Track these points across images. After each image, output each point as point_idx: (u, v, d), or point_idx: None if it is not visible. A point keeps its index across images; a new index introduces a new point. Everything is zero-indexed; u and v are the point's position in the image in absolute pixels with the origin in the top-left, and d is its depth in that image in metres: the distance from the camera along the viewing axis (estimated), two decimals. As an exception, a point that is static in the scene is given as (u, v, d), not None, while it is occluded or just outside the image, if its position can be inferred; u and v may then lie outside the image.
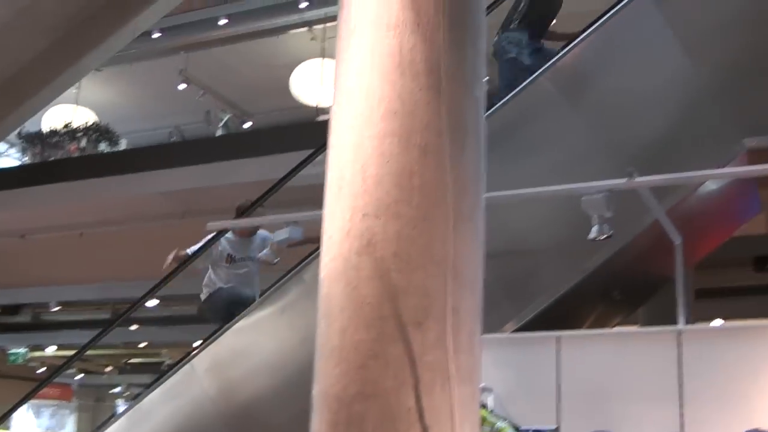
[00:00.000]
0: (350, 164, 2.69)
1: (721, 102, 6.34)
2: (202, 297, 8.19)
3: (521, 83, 6.82)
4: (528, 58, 7.20)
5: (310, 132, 12.29)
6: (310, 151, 7.60)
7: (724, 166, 6.30)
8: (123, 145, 17.96)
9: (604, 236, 5.48)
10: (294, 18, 15.83)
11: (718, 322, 12.62)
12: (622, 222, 5.69)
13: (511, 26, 7.38)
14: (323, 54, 15.94)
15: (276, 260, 7.77)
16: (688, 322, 5.93)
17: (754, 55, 6.35)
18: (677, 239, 5.96)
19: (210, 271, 8.11)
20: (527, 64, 7.13)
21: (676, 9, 6.52)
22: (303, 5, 15.52)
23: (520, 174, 6.44)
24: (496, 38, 7.42)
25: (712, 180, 6.50)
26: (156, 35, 15.87)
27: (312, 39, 16.19)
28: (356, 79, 2.78)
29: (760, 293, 13.05)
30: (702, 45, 6.45)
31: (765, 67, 6.31)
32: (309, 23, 15.92)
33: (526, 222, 6.47)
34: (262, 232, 8.23)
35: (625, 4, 6.60)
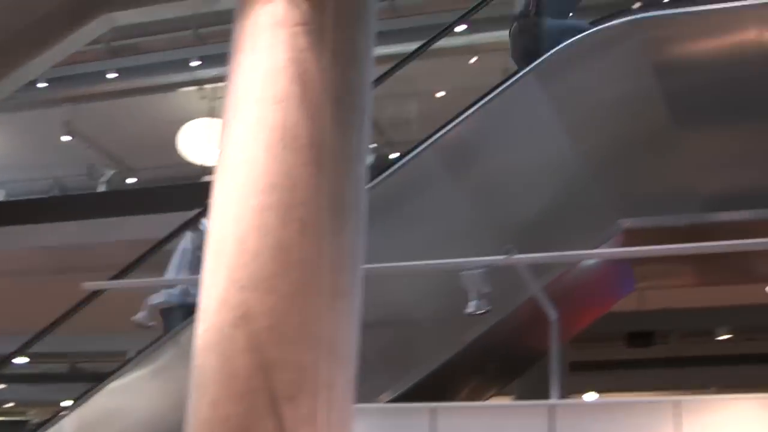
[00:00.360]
0: (230, 236, 2.69)
1: (599, 182, 6.52)
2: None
3: None
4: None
5: (195, 191, 12.17)
6: (195, 212, 7.53)
7: (600, 245, 6.46)
8: (0, 196, 17.50)
9: (482, 311, 5.55)
10: (185, 76, 15.75)
11: (591, 396, 12.87)
12: (499, 297, 5.78)
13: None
14: (212, 113, 15.88)
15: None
16: (561, 396, 6.02)
17: (630, 138, 6.55)
18: (553, 315, 6.07)
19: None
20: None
21: (560, 89, 6.69)
22: (194, 63, 15.46)
23: (402, 244, 6.49)
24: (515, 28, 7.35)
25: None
26: (42, 85, 15.59)
27: (202, 98, 16.13)
28: (240, 150, 2.79)
29: (633, 367, 13.38)
30: (582, 125, 6.62)
31: (640, 150, 6.51)
32: (200, 82, 15.86)
33: (405, 293, 6.51)
34: None
35: (511, 83, 6.76)
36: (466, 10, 8.59)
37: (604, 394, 13.99)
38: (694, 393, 12.20)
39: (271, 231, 2.63)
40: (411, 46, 9.03)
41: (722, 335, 13.65)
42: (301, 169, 2.70)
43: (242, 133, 2.78)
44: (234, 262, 2.64)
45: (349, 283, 2.74)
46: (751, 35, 6.43)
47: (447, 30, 8.78)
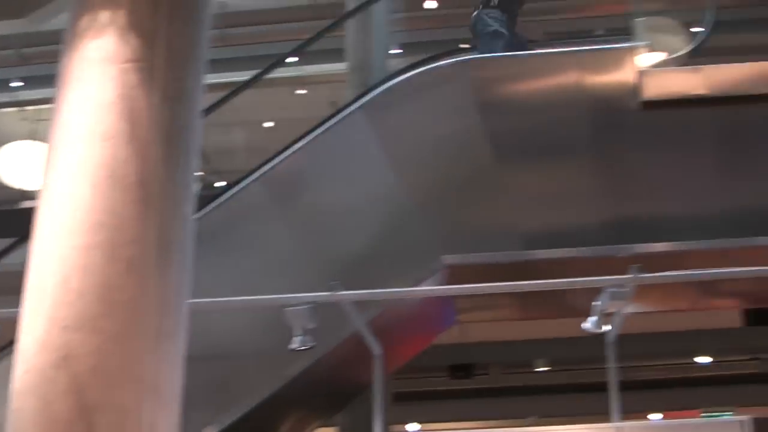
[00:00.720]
0: (52, 274, 2.63)
1: (423, 218, 6.63)
2: None
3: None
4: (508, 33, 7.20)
5: (12, 217, 11.76)
6: (12, 240, 7.27)
7: (424, 280, 6.57)
8: None
9: (306, 347, 5.57)
10: (4, 97, 15.23)
11: (414, 427, 13.05)
12: (324, 331, 5.81)
13: (491, 4, 7.32)
14: (34, 135, 15.39)
15: None
16: (384, 428, 6.09)
17: (455, 175, 6.70)
18: (377, 350, 6.14)
19: None
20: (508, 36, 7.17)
21: (387, 125, 6.79)
22: (15, 84, 14.97)
23: (227, 278, 6.45)
24: (475, 14, 7.38)
25: (412, 292, 6.76)
26: None
27: (23, 119, 15.62)
28: (66, 186, 2.74)
29: (454, 398, 13.62)
30: (408, 162, 6.73)
31: (464, 187, 6.67)
32: (20, 103, 15.36)
33: (229, 327, 6.46)
34: None
35: (340, 118, 6.84)
36: (300, 42, 8.66)
37: (426, 425, 14.22)
38: (513, 423, 12.58)
39: (97, 270, 2.58)
40: (239, 75, 9.02)
41: (541, 367, 14.09)
42: (129, 208, 2.67)
43: (69, 169, 2.73)
44: (57, 301, 2.57)
45: (175, 323, 2.72)
46: (571, 79, 6.70)
47: (281, 61, 8.81)
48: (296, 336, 5.56)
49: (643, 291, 6.01)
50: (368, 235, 6.66)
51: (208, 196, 6.84)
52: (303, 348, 5.58)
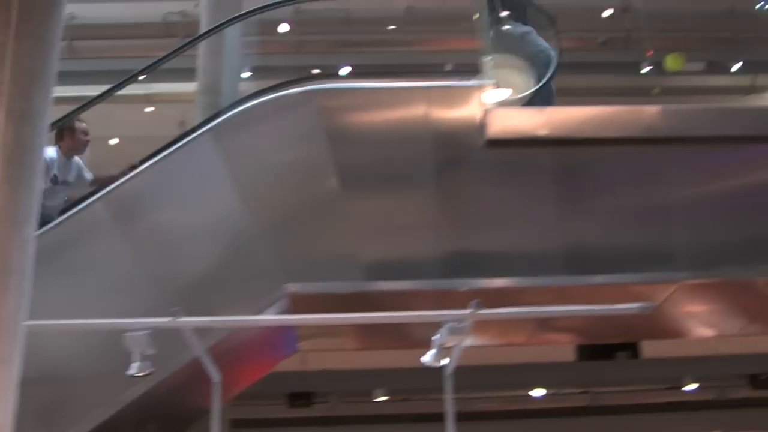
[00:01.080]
0: None
1: (267, 245, 6.60)
2: None
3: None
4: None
5: None
6: None
7: (267, 308, 6.54)
8: None
9: (144, 373, 5.46)
10: None
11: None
12: (163, 357, 5.71)
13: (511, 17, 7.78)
14: None
15: None
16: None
17: (301, 203, 6.70)
18: (216, 377, 6.07)
19: None
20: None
21: (235, 150, 6.75)
22: None
23: (65, 297, 6.29)
24: (492, 32, 7.57)
25: (254, 319, 6.71)
26: None
27: None
28: None
29: (293, 426, 13.59)
30: (255, 187, 6.70)
31: (309, 215, 6.67)
32: None
33: (66, 349, 6.29)
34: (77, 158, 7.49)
35: (188, 140, 6.77)
36: (153, 61, 8.52)
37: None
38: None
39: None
40: (88, 89, 8.82)
41: (380, 396, 14.17)
42: (-34, 229, 2.57)
43: None
44: None
45: (10, 349, 2.63)
46: (419, 112, 6.80)
47: (132, 77, 8.66)
48: (135, 362, 5.44)
49: (481, 325, 6.13)
50: (212, 260, 6.60)
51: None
52: (141, 374, 5.46)
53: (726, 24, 13.14)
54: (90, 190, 7.13)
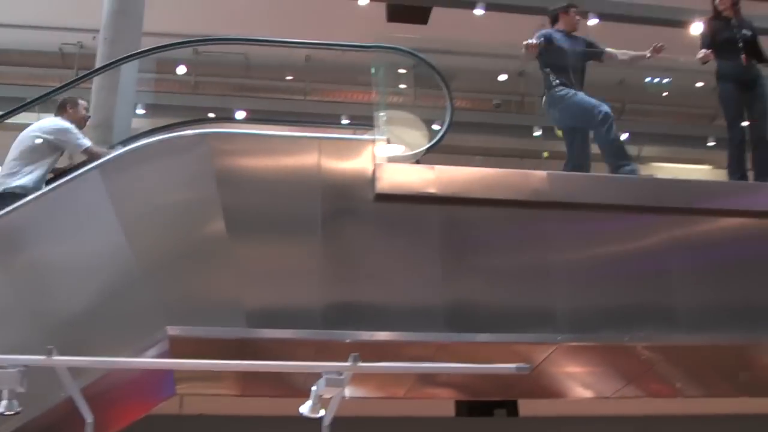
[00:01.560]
0: None
1: (150, 286, 6.52)
2: None
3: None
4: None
5: None
6: None
7: (147, 350, 6.44)
8: None
9: (12, 412, 5.31)
10: None
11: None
12: (36, 395, 5.57)
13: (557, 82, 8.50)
14: None
15: None
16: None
17: (186, 245, 6.64)
18: (89, 417, 5.94)
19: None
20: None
21: (122, 189, 6.68)
22: None
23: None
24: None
25: (132, 360, 6.60)
26: None
27: None
28: None
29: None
30: (140, 227, 6.62)
31: (194, 257, 6.62)
32: None
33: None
34: None
35: (75, 175, 6.69)
36: (48, 91, 8.45)
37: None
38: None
39: None
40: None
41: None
42: None
43: None
44: None
45: None
46: (311, 162, 6.85)
47: (23, 107, 8.58)
48: (3, 399, 5.29)
49: (361, 377, 6.13)
50: (93, 299, 6.49)
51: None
52: (9, 413, 5.31)
53: (616, 94, 13.56)
54: None
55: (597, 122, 8.26)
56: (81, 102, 8.03)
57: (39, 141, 7.75)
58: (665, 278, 7.17)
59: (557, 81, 8.49)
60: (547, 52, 8.47)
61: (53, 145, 7.77)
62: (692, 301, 7.13)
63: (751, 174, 8.57)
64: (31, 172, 7.60)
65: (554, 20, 8.98)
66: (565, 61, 8.50)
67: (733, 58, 8.75)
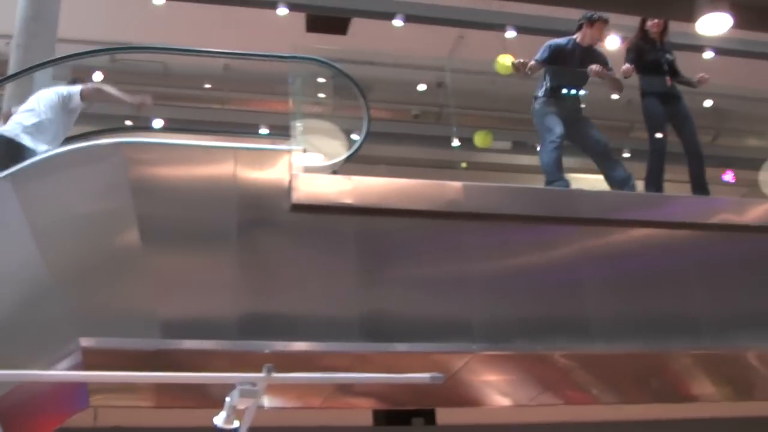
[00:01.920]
0: None
1: (62, 296, 6.42)
2: None
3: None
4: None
5: None
6: None
7: (60, 361, 6.33)
8: None
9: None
10: None
11: None
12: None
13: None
14: None
15: None
16: None
17: (99, 255, 6.56)
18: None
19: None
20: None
21: (34, 198, 6.57)
22: None
23: None
24: None
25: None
26: None
27: None
28: None
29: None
30: (52, 237, 6.50)
31: (107, 267, 6.54)
32: None
33: None
34: None
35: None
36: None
37: None
38: None
39: None
40: None
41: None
42: None
43: None
44: None
45: None
46: (226, 172, 6.82)
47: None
48: None
49: (277, 388, 6.12)
50: (2, 310, 6.36)
51: None
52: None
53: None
54: None
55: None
56: None
57: None
58: (579, 288, 7.28)
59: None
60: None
61: None
62: (605, 310, 7.25)
63: (676, 186, 8.90)
64: None
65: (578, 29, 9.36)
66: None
67: (658, 78, 9.22)
